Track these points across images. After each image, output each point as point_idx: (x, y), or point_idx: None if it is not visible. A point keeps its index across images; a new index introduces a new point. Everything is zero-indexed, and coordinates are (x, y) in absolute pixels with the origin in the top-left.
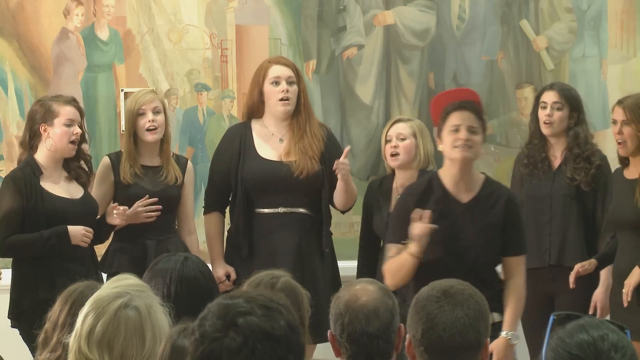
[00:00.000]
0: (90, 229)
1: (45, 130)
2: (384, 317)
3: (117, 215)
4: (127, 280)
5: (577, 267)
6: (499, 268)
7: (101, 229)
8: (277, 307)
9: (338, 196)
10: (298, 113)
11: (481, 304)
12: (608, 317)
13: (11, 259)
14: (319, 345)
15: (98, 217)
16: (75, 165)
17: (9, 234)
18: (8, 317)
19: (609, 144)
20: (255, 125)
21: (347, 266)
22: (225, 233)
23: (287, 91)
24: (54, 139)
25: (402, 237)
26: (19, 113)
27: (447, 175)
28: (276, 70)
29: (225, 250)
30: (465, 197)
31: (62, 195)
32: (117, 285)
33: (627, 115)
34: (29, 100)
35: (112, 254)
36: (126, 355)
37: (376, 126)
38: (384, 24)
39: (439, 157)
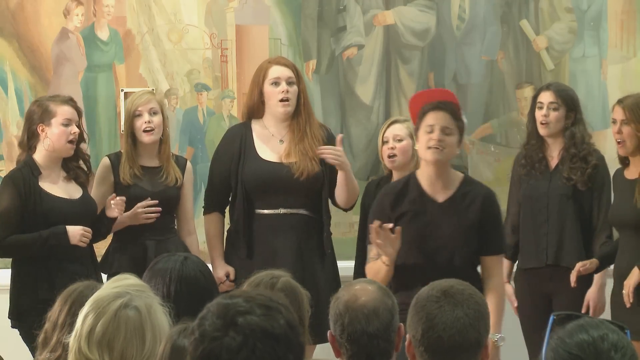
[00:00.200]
0: (89, 229)
1: (43, 131)
2: (383, 316)
3: (115, 205)
4: (127, 280)
5: (579, 265)
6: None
7: (101, 223)
8: (276, 306)
9: (339, 191)
10: (298, 114)
11: (481, 304)
12: (602, 316)
13: (10, 259)
14: (318, 346)
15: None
16: (73, 165)
17: (8, 234)
18: (8, 318)
19: (609, 144)
20: (256, 126)
21: (347, 266)
22: (225, 233)
23: (287, 92)
24: (52, 139)
25: None
26: (19, 113)
27: (424, 175)
28: (276, 71)
29: (225, 250)
30: (441, 197)
31: (60, 196)
32: (117, 285)
33: (627, 114)
34: (29, 100)
35: (112, 254)
36: (126, 355)
37: (376, 126)
38: (384, 24)
39: None
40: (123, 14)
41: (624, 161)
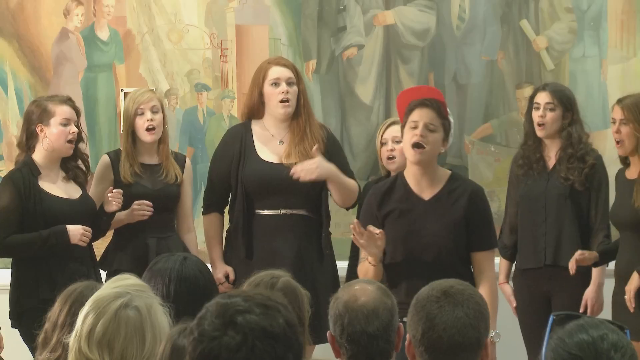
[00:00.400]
0: (89, 228)
1: (42, 131)
2: (383, 316)
3: (112, 198)
4: (127, 280)
5: (577, 254)
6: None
7: (100, 220)
8: (275, 306)
9: (333, 194)
10: (298, 114)
11: (481, 303)
12: (602, 316)
13: (11, 259)
14: (318, 346)
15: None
16: (72, 165)
17: (8, 234)
18: (9, 318)
19: (609, 143)
20: (255, 127)
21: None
22: (225, 233)
23: (287, 92)
24: (51, 139)
25: None
26: (19, 113)
27: (410, 174)
28: (276, 72)
29: (224, 250)
30: (427, 195)
31: (60, 196)
32: (117, 285)
33: (625, 114)
34: (29, 100)
35: (113, 252)
36: (126, 355)
37: (376, 126)
38: (384, 24)
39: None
40: (123, 14)
41: (625, 161)
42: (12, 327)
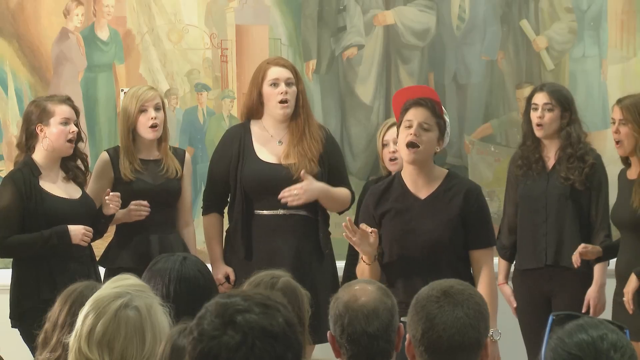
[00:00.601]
0: (90, 228)
1: (41, 130)
2: (383, 316)
3: (110, 201)
4: (127, 280)
5: (581, 247)
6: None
7: (98, 221)
8: (274, 305)
9: (324, 206)
10: (297, 115)
11: (481, 304)
12: (602, 316)
13: (11, 259)
14: (318, 346)
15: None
16: (72, 165)
17: (9, 235)
18: (9, 318)
19: (609, 144)
20: (254, 127)
21: None
22: (224, 234)
23: (286, 93)
24: (51, 139)
25: None
26: (19, 113)
27: (406, 173)
28: (275, 72)
29: (223, 251)
30: (424, 194)
31: (61, 196)
32: (117, 285)
33: (624, 114)
34: (29, 100)
35: (115, 249)
36: (126, 355)
37: (376, 126)
38: (384, 24)
39: (439, 158)
40: (123, 14)
41: (627, 161)
42: (13, 327)
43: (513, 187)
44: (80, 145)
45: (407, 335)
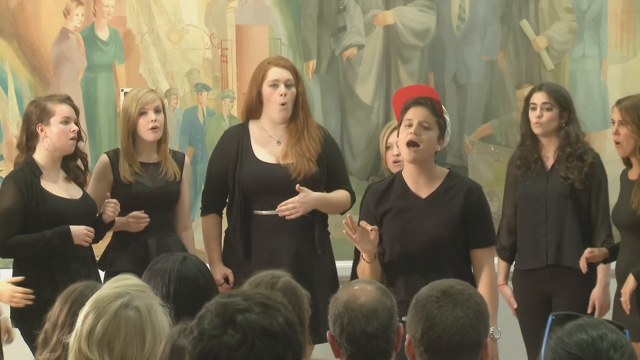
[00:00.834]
0: (92, 229)
1: (42, 130)
2: (383, 316)
3: (107, 208)
4: (127, 281)
5: (587, 252)
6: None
7: (97, 228)
8: (274, 305)
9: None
10: (296, 116)
11: (481, 304)
12: (604, 316)
13: (12, 259)
14: (317, 346)
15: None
16: (73, 165)
17: (11, 235)
18: (10, 318)
19: (608, 143)
20: (253, 128)
21: (347, 266)
22: (223, 234)
23: (285, 95)
24: (52, 138)
25: None
26: (19, 113)
27: (407, 173)
28: (275, 73)
29: (222, 251)
30: (424, 193)
31: (62, 196)
32: (117, 286)
33: (623, 115)
34: (29, 100)
35: (113, 252)
36: (126, 356)
37: (376, 126)
38: (384, 24)
39: (439, 158)
40: (123, 14)
41: (628, 162)
42: (13, 326)
43: (512, 188)
44: (80, 144)
45: (407, 335)
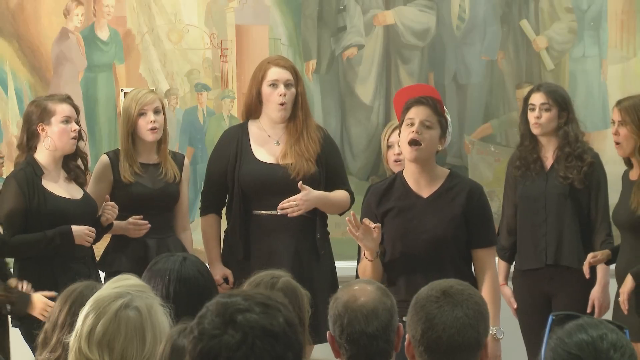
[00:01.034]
0: (93, 229)
1: (43, 130)
2: (383, 317)
3: (105, 211)
4: (127, 281)
5: (590, 256)
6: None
7: (96, 229)
8: (275, 305)
9: (323, 211)
10: (295, 116)
11: (481, 304)
12: (604, 316)
13: (12, 259)
14: (317, 346)
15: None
16: (73, 165)
17: (13, 235)
18: (10, 317)
19: (609, 143)
20: (252, 127)
21: (347, 266)
22: (222, 234)
23: (284, 95)
24: (53, 138)
25: None
26: (19, 113)
27: (408, 172)
28: (275, 73)
29: (222, 251)
30: (426, 193)
31: (63, 196)
32: (117, 286)
33: (623, 116)
34: (29, 100)
35: (112, 252)
36: (126, 356)
37: (376, 126)
38: (384, 24)
39: (439, 158)
40: (123, 14)
41: (629, 162)
42: (14, 326)
43: (512, 188)
44: (81, 144)
45: (407, 335)
